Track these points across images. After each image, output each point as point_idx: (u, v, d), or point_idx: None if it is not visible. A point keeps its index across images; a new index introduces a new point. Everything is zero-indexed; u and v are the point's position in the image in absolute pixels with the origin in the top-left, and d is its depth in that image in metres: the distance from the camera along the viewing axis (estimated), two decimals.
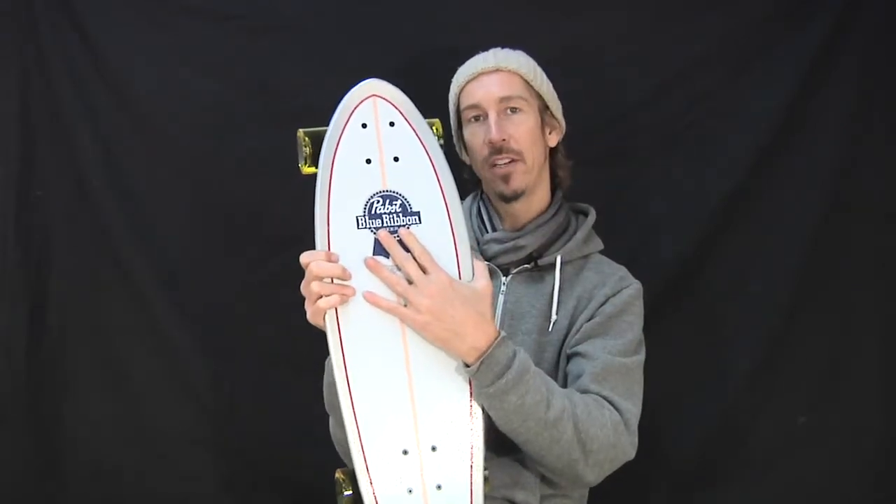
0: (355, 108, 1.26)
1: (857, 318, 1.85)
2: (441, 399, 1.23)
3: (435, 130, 1.29)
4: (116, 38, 1.84)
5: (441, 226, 1.26)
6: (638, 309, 1.46)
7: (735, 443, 1.86)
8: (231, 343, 1.87)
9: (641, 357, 1.44)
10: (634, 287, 1.47)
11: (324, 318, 1.22)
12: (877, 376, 1.85)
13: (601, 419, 1.31)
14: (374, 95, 1.27)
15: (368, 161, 1.25)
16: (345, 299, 1.21)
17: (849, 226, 1.84)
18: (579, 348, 1.41)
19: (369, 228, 1.24)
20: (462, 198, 1.57)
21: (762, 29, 1.83)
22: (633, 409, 1.37)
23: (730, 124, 1.84)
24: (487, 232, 1.50)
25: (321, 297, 1.20)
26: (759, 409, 1.85)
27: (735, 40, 1.84)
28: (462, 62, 1.53)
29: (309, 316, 1.24)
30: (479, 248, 1.49)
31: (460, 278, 1.24)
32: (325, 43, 1.84)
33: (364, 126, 1.26)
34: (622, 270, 1.50)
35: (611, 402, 1.34)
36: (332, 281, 1.21)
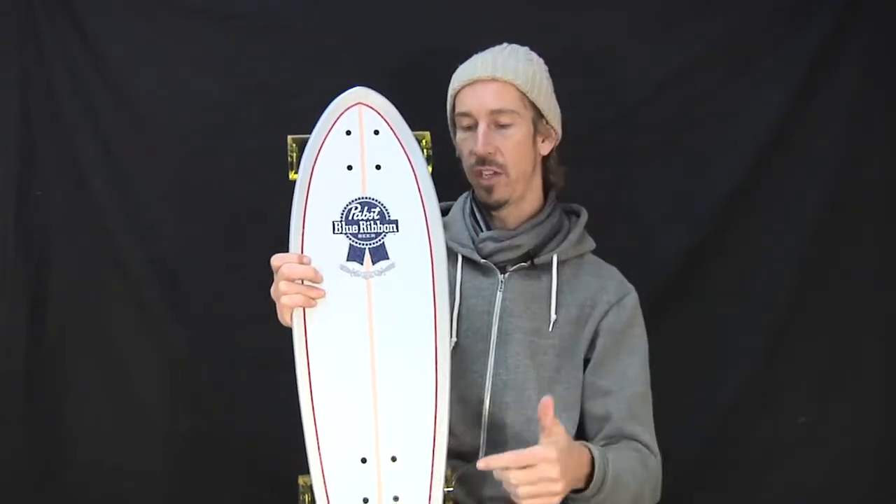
0: (340, 115, 1.27)
1: (857, 318, 1.85)
2: (405, 410, 1.23)
3: (424, 144, 1.30)
4: (116, 38, 1.84)
5: (419, 235, 1.27)
6: (640, 318, 1.50)
7: (735, 443, 1.86)
8: (231, 343, 1.87)
9: (649, 373, 1.48)
10: (634, 294, 1.50)
11: (290, 318, 1.24)
12: (877, 376, 1.85)
13: (651, 476, 1.39)
14: (360, 103, 1.28)
15: (350, 167, 1.27)
16: (310, 301, 1.23)
17: (849, 226, 1.84)
18: (601, 385, 1.44)
19: (345, 234, 1.25)
20: (458, 196, 1.58)
21: (762, 29, 1.83)
22: (654, 443, 1.44)
23: (730, 124, 1.84)
24: (482, 230, 1.50)
25: (283, 296, 1.23)
26: (760, 409, 1.85)
27: (735, 40, 1.84)
28: (461, 62, 1.53)
29: (279, 316, 1.27)
30: (476, 246, 1.49)
31: (434, 287, 1.25)
32: (325, 43, 1.83)
33: (348, 133, 1.27)
34: (617, 273, 1.53)
35: (644, 444, 1.41)
36: (303, 283, 1.22)
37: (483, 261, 1.48)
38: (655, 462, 1.42)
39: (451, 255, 1.46)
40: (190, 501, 1.87)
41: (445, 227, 1.49)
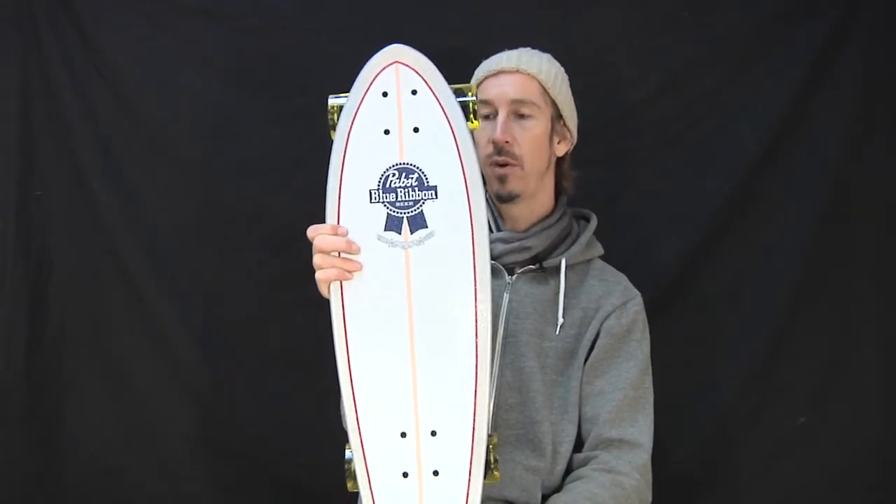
0: (377, 75, 1.22)
1: (857, 319, 1.85)
2: (445, 383, 1.20)
3: (471, 94, 1.24)
4: (116, 38, 1.84)
5: (459, 201, 1.22)
6: (643, 323, 1.49)
7: (735, 443, 1.86)
8: (231, 343, 1.87)
9: (650, 378, 1.47)
10: (638, 300, 1.50)
11: (328, 291, 1.21)
12: (877, 376, 1.84)
13: (631, 493, 1.37)
14: (396, 62, 1.23)
15: (387, 132, 1.22)
16: (345, 274, 1.20)
17: (849, 226, 1.83)
18: (595, 385, 1.43)
19: (382, 202, 1.21)
20: None
21: (762, 29, 1.83)
22: (647, 441, 1.42)
23: (730, 125, 1.83)
24: (492, 231, 1.50)
25: (320, 270, 1.20)
26: (760, 409, 1.85)
27: (735, 40, 1.83)
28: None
29: (319, 289, 1.23)
30: None
31: (474, 255, 1.21)
32: (325, 43, 1.84)
33: (385, 95, 1.22)
34: (624, 279, 1.52)
35: (627, 442, 1.40)
36: (340, 255, 1.20)
37: (492, 262, 1.47)
38: (636, 473, 1.39)
39: None
40: (190, 501, 1.87)
41: None
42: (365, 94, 1.22)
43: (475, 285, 1.21)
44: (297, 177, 1.83)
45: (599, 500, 1.34)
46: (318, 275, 1.21)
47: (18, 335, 1.84)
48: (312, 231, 1.22)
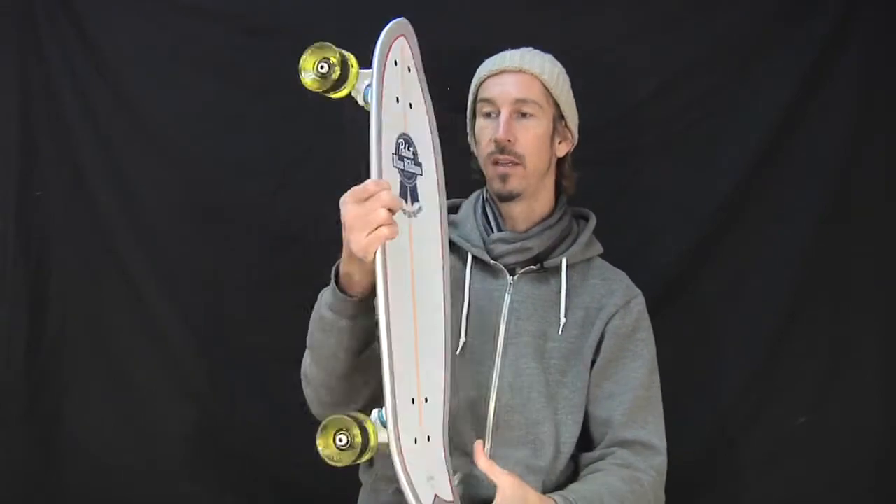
0: (392, 42, 1.21)
1: (857, 319, 1.85)
2: (434, 350, 1.22)
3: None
4: (116, 38, 1.84)
5: (436, 181, 1.27)
6: (647, 322, 1.49)
7: (736, 443, 1.86)
8: (231, 343, 1.87)
9: (657, 377, 1.48)
10: (641, 298, 1.50)
11: (373, 254, 1.13)
12: (877, 376, 1.84)
13: (648, 490, 1.38)
14: (402, 36, 1.23)
15: (397, 100, 1.20)
16: (395, 234, 1.13)
17: (849, 226, 1.84)
18: (605, 387, 1.44)
19: (397, 168, 1.18)
20: (468, 194, 1.58)
21: (762, 29, 1.83)
22: (661, 442, 1.44)
23: (730, 125, 1.84)
24: (493, 231, 1.50)
25: (381, 226, 1.11)
26: (760, 409, 1.85)
27: (735, 40, 1.83)
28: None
29: (359, 247, 1.12)
30: (486, 248, 1.49)
31: (441, 236, 1.26)
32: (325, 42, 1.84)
33: (395, 63, 1.21)
34: (625, 277, 1.53)
35: (642, 444, 1.41)
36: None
37: (493, 262, 1.47)
38: (652, 471, 1.41)
39: (462, 253, 1.47)
40: (190, 501, 1.87)
41: (456, 225, 1.51)
42: (387, 56, 1.19)
43: (443, 265, 1.26)
44: (297, 177, 1.83)
45: (620, 493, 1.35)
46: (385, 231, 1.11)
47: (18, 335, 1.84)
48: (377, 185, 1.12)
